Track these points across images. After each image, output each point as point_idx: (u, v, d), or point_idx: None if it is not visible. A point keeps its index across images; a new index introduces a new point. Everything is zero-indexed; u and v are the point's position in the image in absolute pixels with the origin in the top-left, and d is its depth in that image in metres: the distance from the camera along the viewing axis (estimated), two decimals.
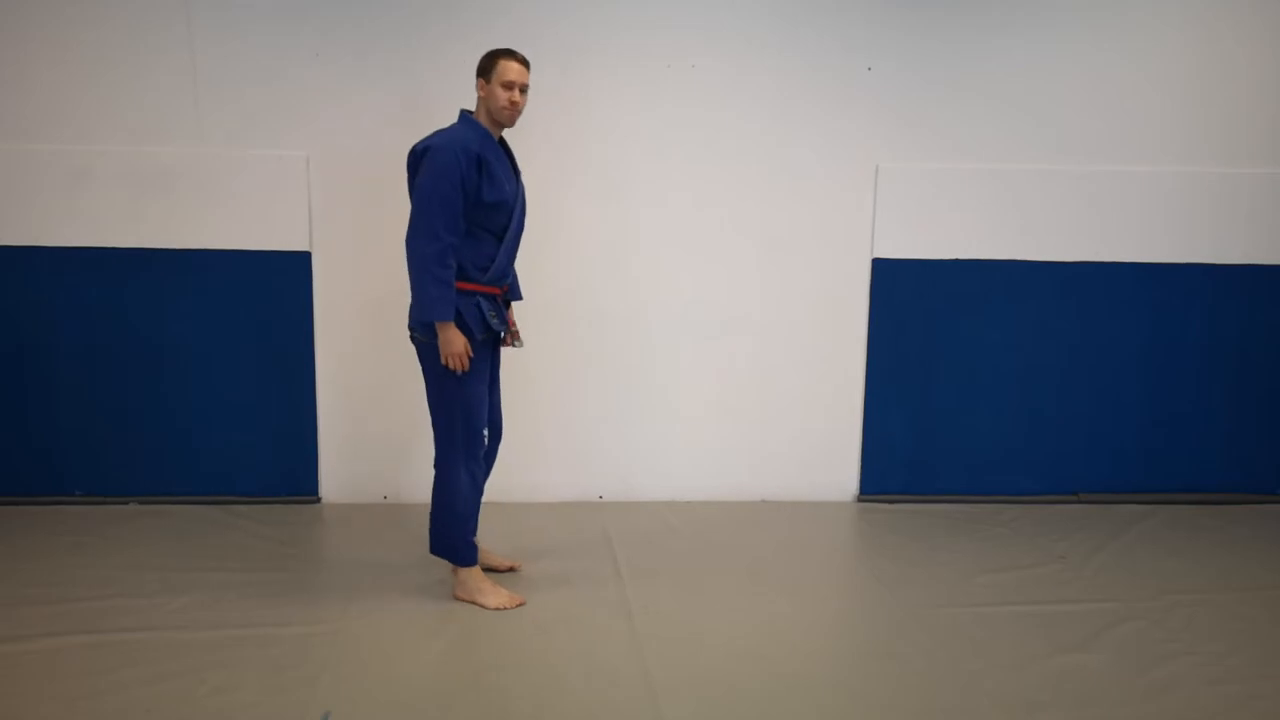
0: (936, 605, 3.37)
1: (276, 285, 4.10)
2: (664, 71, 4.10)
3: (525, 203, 3.39)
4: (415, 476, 4.24)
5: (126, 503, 4.14)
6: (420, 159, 3.19)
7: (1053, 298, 4.31)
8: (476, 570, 3.38)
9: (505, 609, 3.30)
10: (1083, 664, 2.99)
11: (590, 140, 4.11)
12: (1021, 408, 4.37)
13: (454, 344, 3.17)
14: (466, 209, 3.15)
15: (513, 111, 3.23)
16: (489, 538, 3.91)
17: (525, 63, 3.24)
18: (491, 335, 3.28)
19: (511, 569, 3.60)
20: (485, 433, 3.34)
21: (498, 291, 3.30)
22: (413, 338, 3.30)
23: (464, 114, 3.30)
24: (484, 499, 4.23)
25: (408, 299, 4.12)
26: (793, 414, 4.33)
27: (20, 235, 4.02)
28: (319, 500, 4.23)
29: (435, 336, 3.18)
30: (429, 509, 3.40)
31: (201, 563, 3.60)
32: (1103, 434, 4.41)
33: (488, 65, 3.22)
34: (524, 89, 3.24)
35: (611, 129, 4.11)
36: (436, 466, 3.35)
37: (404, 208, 4.07)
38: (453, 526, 3.35)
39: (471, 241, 3.21)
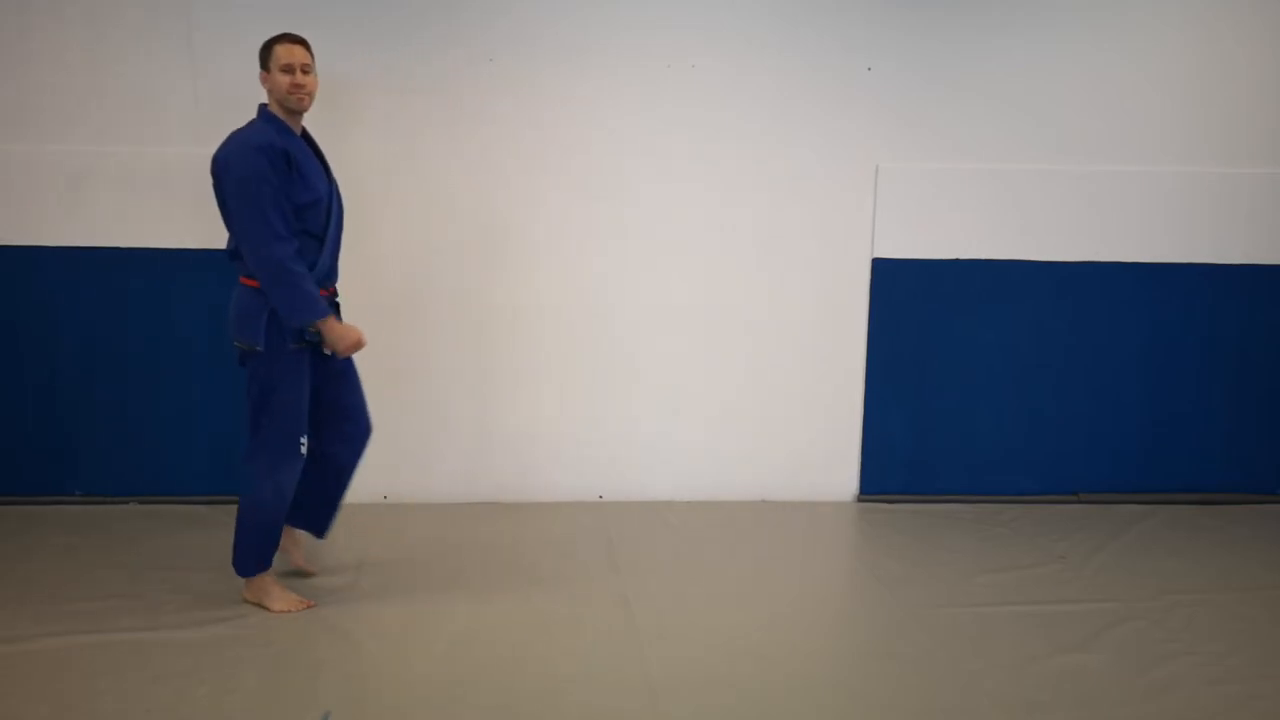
0: (936, 605, 3.37)
1: None
2: (664, 71, 4.10)
3: (341, 200, 3.26)
4: (415, 476, 4.24)
5: (126, 503, 4.14)
6: (224, 168, 3.05)
7: (1053, 298, 4.31)
8: (266, 576, 3.27)
9: (291, 612, 3.22)
10: (1083, 664, 2.99)
11: (590, 140, 4.11)
12: (1021, 408, 4.37)
13: (346, 335, 3.11)
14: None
15: (299, 94, 3.11)
16: (490, 538, 3.91)
17: (301, 42, 3.14)
18: (303, 344, 3.14)
19: (307, 573, 3.49)
20: (304, 441, 3.19)
21: (324, 294, 3.18)
22: (235, 347, 3.19)
23: (262, 109, 3.16)
24: (483, 499, 4.27)
25: (407, 299, 4.15)
26: (793, 414, 4.33)
27: (20, 235, 4.02)
28: None
29: (258, 344, 3.08)
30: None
31: (201, 563, 3.60)
32: (1103, 434, 4.40)
33: (264, 55, 3.13)
34: (305, 69, 3.12)
35: (612, 129, 4.11)
36: (243, 473, 3.20)
37: (402, 206, 4.10)
38: (250, 533, 3.23)
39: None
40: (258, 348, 3.11)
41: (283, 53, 3.11)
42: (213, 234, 4.04)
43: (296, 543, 3.53)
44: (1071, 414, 4.38)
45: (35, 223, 4.01)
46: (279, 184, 3.02)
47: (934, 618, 3.28)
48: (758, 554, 3.81)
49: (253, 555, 3.25)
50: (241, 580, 3.33)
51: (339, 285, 3.41)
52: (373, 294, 4.13)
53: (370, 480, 4.24)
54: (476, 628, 3.17)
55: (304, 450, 3.21)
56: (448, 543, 3.85)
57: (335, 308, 3.29)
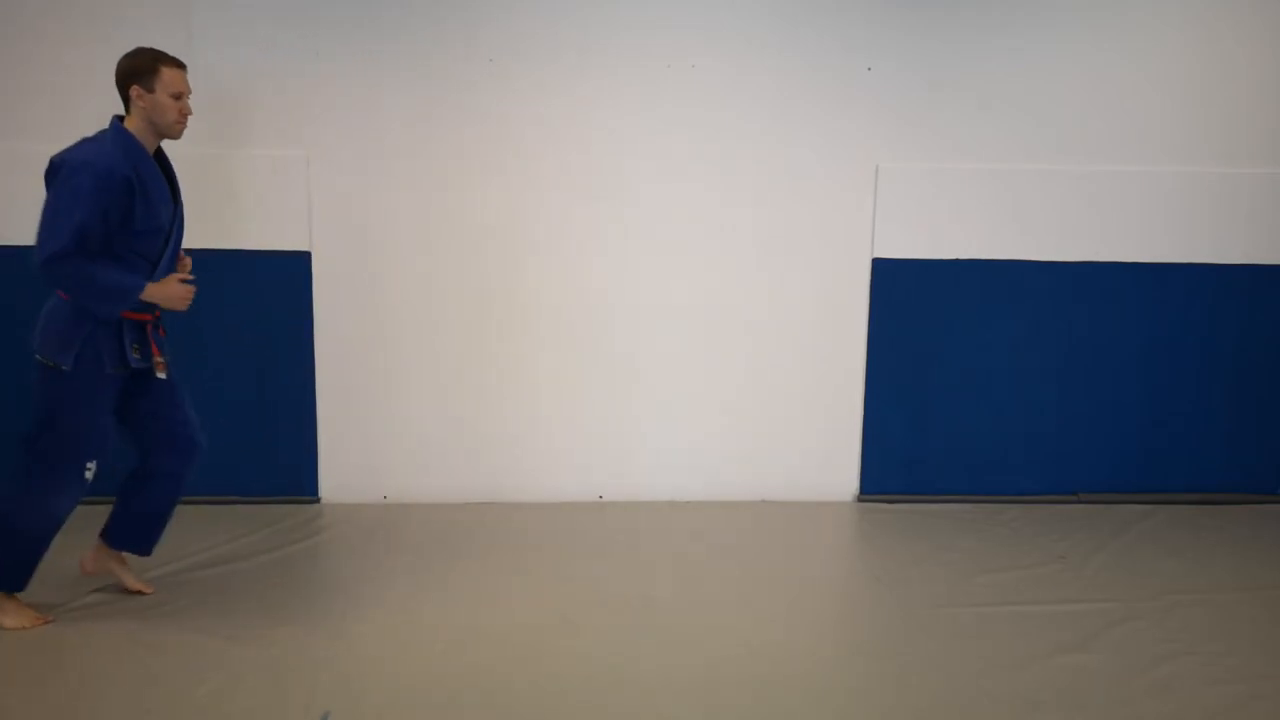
0: (936, 605, 3.37)
1: (276, 285, 4.10)
2: (664, 71, 4.10)
3: (183, 225, 3.13)
4: (415, 476, 4.24)
5: None
6: (57, 172, 2.92)
7: (1053, 298, 4.31)
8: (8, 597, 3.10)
9: (25, 629, 3.05)
10: (1083, 664, 2.99)
11: (590, 140, 4.11)
12: (1021, 408, 4.37)
13: (169, 290, 2.97)
14: (112, 234, 2.91)
15: (183, 124, 3.02)
16: (490, 538, 3.91)
17: (185, 67, 3.04)
18: (124, 369, 3.03)
19: (139, 592, 3.33)
20: (91, 468, 3.04)
21: (148, 318, 3.07)
22: (35, 360, 3.02)
23: (116, 124, 3.00)
24: (483, 499, 4.26)
25: (406, 299, 4.15)
26: (793, 414, 4.33)
27: (20, 235, 4.01)
28: (319, 500, 4.23)
29: (64, 364, 2.93)
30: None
31: (201, 562, 3.59)
32: (1103, 434, 4.40)
33: (146, 72, 2.94)
34: (185, 95, 3.02)
35: (612, 129, 4.11)
36: (11, 484, 3.02)
37: (403, 207, 4.10)
38: (7, 546, 3.04)
39: (120, 266, 2.95)
40: (63, 367, 2.95)
41: (175, 79, 2.98)
42: (212, 234, 4.06)
43: (123, 564, 3.36)
44: (1071, 414, 4.38)
45: (35, 223, 4.00)
46: (109, 215, 2.88)
47: (934, 618, 3.28)
48: (758, 554, 3.81)
49: (9, 568, 3.06)
50: (243, 580, 3.31)
51: None
52: (372, 294, 4.14)
53: (370, 480, 4.25)
54: (476, 628, 3.17)
55: (89, 477, 3.05)
56: (448, 543, 3.85)
57: (157, 327, 3.12)
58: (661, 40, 4.08)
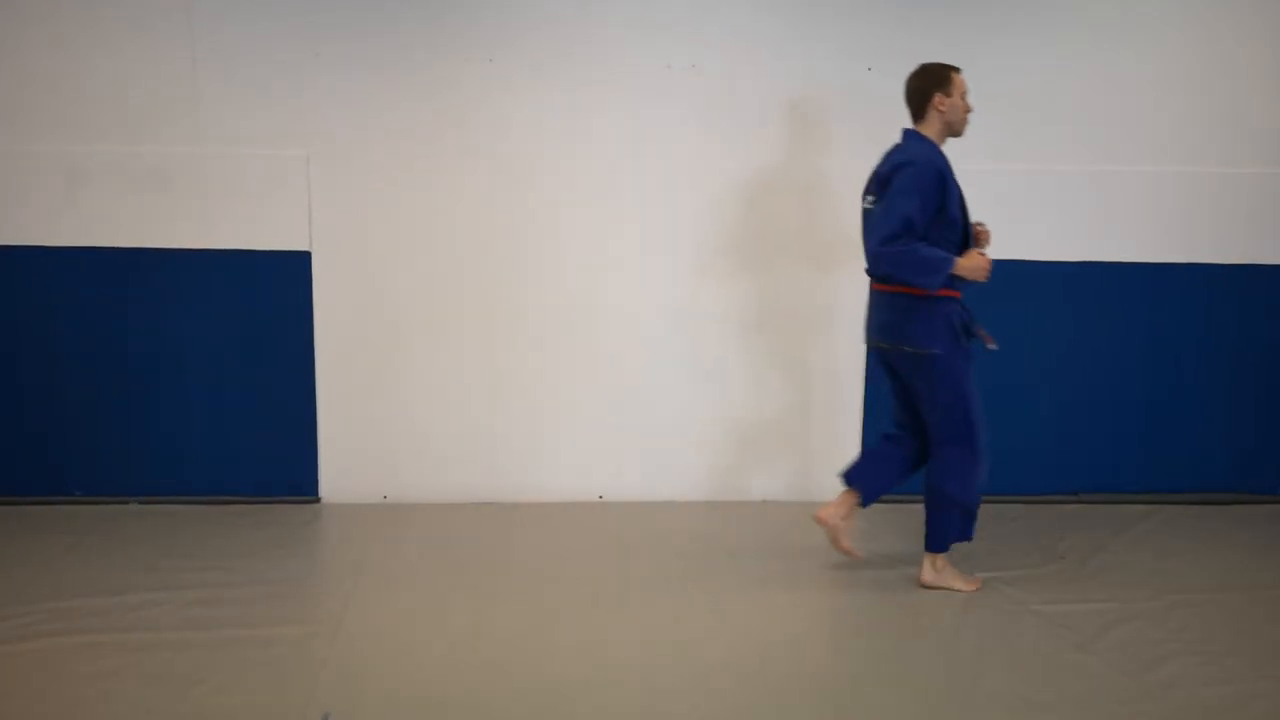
0: (936, 605, 3.37)
1: (276, 285, 4.10)
2: (664, 72, 4.10)
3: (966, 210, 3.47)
4: (415, 476, 4.24)
5: (126, 503, 4.14)
6: (896, 170, 3.34)
7: (1053, 298, 4.31)
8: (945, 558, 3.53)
9: (971, 591, 3.47)
10: (1083, 664, 2.99)
11: (590, 140, 4.11)
12: (1021, 408, 4.36)
13: (970, 260, 3.33)
14: (928, 223, 3.31)
15: (967, 123, 3.43)
16: (490, 538, 3.91)
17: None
18: (969, 339, 3.43)
19: (848, 553, 3.65)
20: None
21: (958, 296, 3.42)
22: (906, 354, 3.41)
23: (912, 134, 3.43)
24: (483, 499, 4.27)
25: (406, 299, 4.15)
26: (792, 414, 4.33)
27: (20, 235, 4.02)
28: (319, 500, 4.23)
29: (926, 347, 3.36)
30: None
31: (201, 563, 3.60)
32: (1103, 434, 4.40)
33: (944, 78, 3.39)
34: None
35: (612, 129, 4.11)
36: (945, 473, 3.50)
37: (403, 207, 4.10)
38: (954, 522, 3.51)
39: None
40: (935, 351, 3.38)
41: (961, 82, 3.40)
42: (212, 234, 4.06)
43: (849, 522, 3.66)
44: (1071, 414, 4.38)
45: (35, 223, 4.01)
46: (930, 200, 3.30)
47: (934, 617, 3.28)
48: (758, 554, 3.81)
49: (942, 536, 3.51)
50: (244, 580, 3.31)
51: None
52: (372, 294, 4.14)
53: (370, 480, 4.24)
54: (476, 628, 3.17)
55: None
56: (448, 543, 3.85)
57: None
58: (661, 40, 4.08)
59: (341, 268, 4.12)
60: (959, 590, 3.48)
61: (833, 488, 4.39)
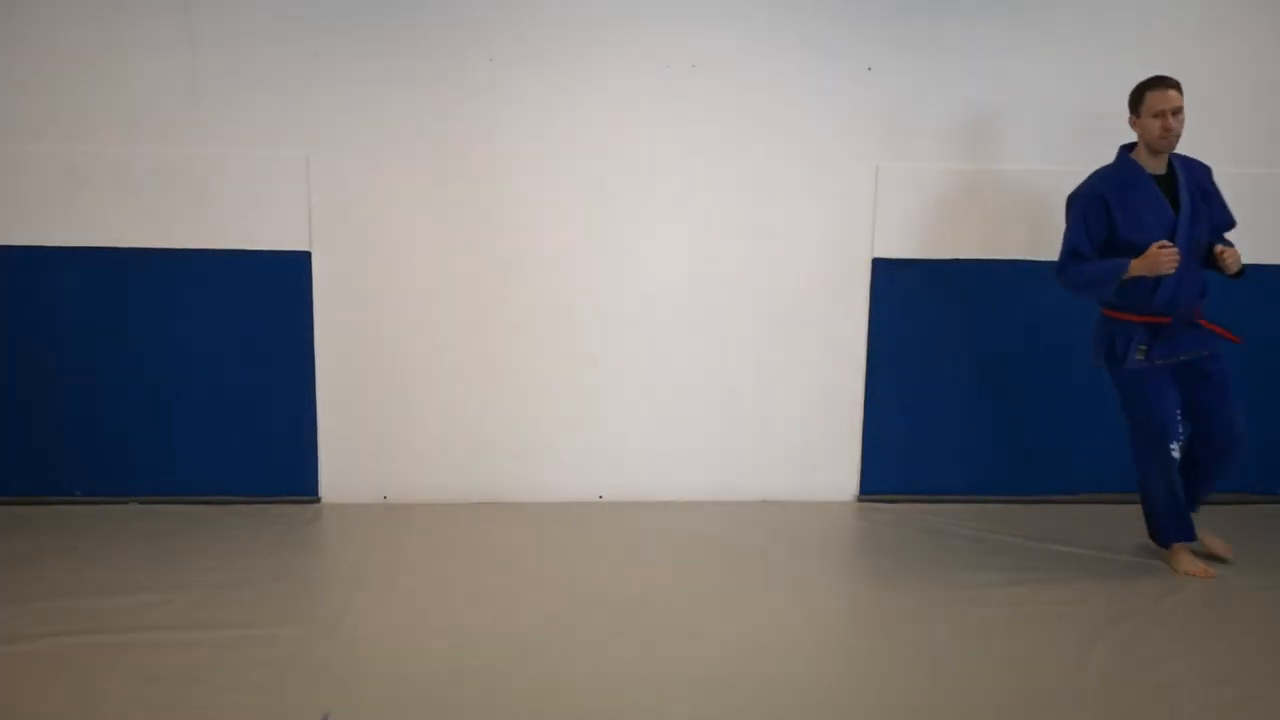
0: (936, 605, 3.37)
1: (276, 285, 4.10)
2: (664, 71, 4.10)
3: (1196, 226, 3.60)
4: (415, 476, 4.24)
5: (126, 503, 4.14)
6: (1071, 198, 3.66)
7: (1053, 298, 4.29)
8: (1182, 546, 3.69)
9: (1195, 575, 3.61)
10: (1083, 664, 2.99)
11: (590, 140, 4.11)
12: (1021, 408, 4.36)
13: (1144, 259, 3.44)
14: (1101, 244, 3.57)
15: (1167, 139, 3.54)
16: (490, 538, 3.91)
17: (1176, 85, 3.55)
18: (1147, 363, 3.57)
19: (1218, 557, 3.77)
20: (1174, 448, 3.65)
21: (1163, 320, 3.57)
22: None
23: (1122, 150, 3.66)
24: (483, 499, 4.27)
25: (406, 299, 4.15)
26: (793, 414, 4.33)
27: (20, 235, 4.02)
28: (319, 500, 4.23)
29: (1094, 359, 3.71)
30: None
31: (201, 563, 3.59)
32: (1102, 434, 4.39)
33: (1135, 99, 3.57)
34: (1176, 111, 3.53)
35: (612, 129, 4.11)
36: (1141, 468, 3.73)
37: (403, 206, 4.10)
38: (1155, 513, 3.74)
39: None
40: (1095, 363, 3.74)
41: (1155, 100, 3.51)
42: (213, 234, 4.06)
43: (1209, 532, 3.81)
44: (1071, 414, 4.38)
45: (35, 223, 4.01)
46: (1090, 217, 3.57)
47: (934, 618, 3.28)
48: (758, 554, 3.81)
49: (1166, 528, 3.70)
50: (243, 580, 3.32)
51: None
52: (372, 294, 4.14)
53: (370, 480, 4.25)
54: (476, 628, 3.17)
55: (1174, 454, 3.62)
56: (448, 543, 3.85)
57: (1187, 325, 3.60)
58: (661, 40, 4.08)
59: (341, 268, 4.12)
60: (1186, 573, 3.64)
61: (833, 488, 4.40)
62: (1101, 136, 4.22)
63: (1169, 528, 3.70)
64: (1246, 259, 4.31)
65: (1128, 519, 4.21)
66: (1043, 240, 4.26)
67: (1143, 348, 3.56)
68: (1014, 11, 4.13)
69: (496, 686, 2.83)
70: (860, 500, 4.38)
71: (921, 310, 4.28)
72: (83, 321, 4.07)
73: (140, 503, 4.15)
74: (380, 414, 4.22)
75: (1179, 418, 3.63)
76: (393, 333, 4.17)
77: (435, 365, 4.20)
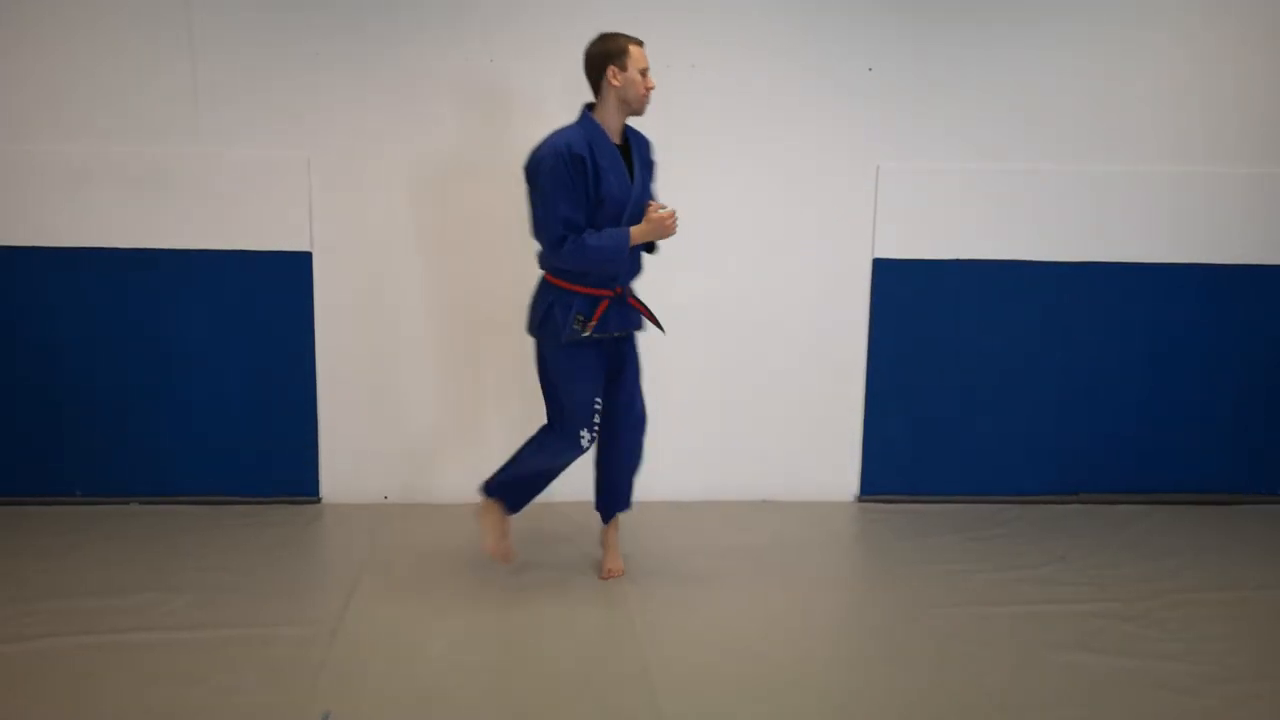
0: (936, 605, 3.37)
1: (276, 285, 4.10)
2: (664, 71, 4.09)
3: (648, 191, 3.39)
4: (415, 476, 4.24)
5: (127, 503, 4.14)
6: (533, 166, 3.22)
7: (1053, 298, 4.31)
8: (504, 515, 3.48)
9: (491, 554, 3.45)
10: (1083, 664, 2.99)
11: None
12: (1021, 408, 4.36)
13: (647, 224, 3.22)
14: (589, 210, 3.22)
15: (648, 99, 3.27)
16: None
17: (642, 44, 3.27)
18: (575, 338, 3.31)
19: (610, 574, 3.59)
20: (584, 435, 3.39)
21: (606, 293, 3.33)
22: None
23: (585, 112, 3.28)
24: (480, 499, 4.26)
25: (406, 299, 4.15)
26: (793, 414, 4.33)
27: (20, 235, 4.02)
28: (319, 500, 4.23)
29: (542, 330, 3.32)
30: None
31: (201, 563, 3.60)
32: (1103, 434, 4.40)
33: (620, 50, 3.19)
34: (647, 71, 3.26)
35: None
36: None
37: (403, 207, 4.10)
38: (519, 471, 3.45)
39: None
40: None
41: (640, 55, 3.22)
42: (213, 234, 4.06)
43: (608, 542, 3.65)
44: (1071, 414, 4.38)
45: (35, 223, 4.01)
46: (572, 184, 3.16)
47: (933, 618, 3.28)
48: (758, 554, 3.81)
49: (506, 489, 3.46)
50: (243, 580, 3.31)
51: None
52: (373, 294, 4.14)
53: (370, 480, 4.25)
54: (475, 628, 3.17)
55: (583, 443, 3.36)
56: (448, 543, 3.85)
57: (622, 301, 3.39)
58: (661, 40, 4.06)
59: (341, 268, 4.12)
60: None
61: (832, 488, 4.40)
62: (1102, 135, 4.24)
63: (510, 491, 3.48)
64: (1246, 259, 4.35)
65: (1128, 519, 4.22)
66: (1044, 240, 4.27)
67: (580, 317, 3.27)
68: (1014, 11, 4.13)
69: (496, 687, 2.83)
70: (860, 500, 4.38)
71: (922, 310, 4.28)
72: (83, 321, 4.07)
73: (140, 503, 4.15)
74: (380, 414, 4.22)
75: (598, 408, 3.38)
76: (393, 333, 4.17)
77: (435, 365, 4.20)
